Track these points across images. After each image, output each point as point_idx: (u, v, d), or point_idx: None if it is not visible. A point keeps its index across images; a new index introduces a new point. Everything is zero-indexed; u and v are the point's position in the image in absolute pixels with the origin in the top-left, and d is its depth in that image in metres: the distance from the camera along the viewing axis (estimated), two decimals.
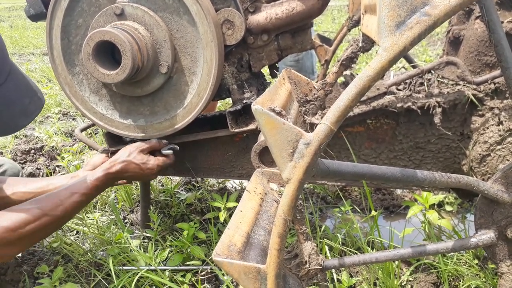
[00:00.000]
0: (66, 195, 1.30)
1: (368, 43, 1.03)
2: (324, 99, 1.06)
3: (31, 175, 2.48)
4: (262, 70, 1.57)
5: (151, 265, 1.52)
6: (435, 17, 0.56)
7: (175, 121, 1.42)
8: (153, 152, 1.49)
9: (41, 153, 2.83)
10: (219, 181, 2.27)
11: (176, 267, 1.55)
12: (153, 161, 1.44)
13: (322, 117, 1.13)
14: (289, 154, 0.68)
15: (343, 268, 1.48)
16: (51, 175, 2.47)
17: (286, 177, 0.70)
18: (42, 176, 2.48)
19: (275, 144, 0.69)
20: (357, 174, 0.75)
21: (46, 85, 4.40)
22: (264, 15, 1.35)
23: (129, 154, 1.42)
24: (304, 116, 1.09)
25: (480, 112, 1.28)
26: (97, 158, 1.56)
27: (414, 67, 1.79)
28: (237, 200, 1.65)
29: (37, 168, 2.55)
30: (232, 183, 2.26)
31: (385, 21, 0.57)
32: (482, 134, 1.24)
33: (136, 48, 1.24)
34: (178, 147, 1.50)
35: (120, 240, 1.67)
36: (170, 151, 1.47)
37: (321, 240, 1.52)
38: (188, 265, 1.56)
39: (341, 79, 1.71)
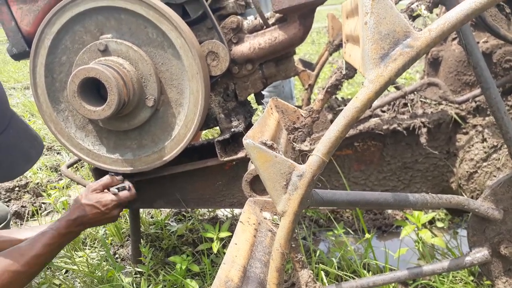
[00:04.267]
0: (28, 248, 1.26)
1: (351, 71, 1.05)
2: (312, 126, 1.07)
3: (16, 213, 2.42)
4: (248, 98, 1.58)
5: None
6: (417, 48, 0.58)
7: (163, 153, 1.42)
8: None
9: (25, 190, 2.77)
10: (210, 210, 2.24)
11: None
12: (108, 197, 1.40)
13: (310, 144, 1.14)
14: (283, 187, 0.68)
15: None
16: (37, 212, 2.42)
17: (281, 210, 0.70)
18: (27, 214, 2.43)
19: (269, 177, 0.69)
20: (351, 202, 0.75)
21: (29, 120, 4.35)
22: (248, 46, 1.37)
23: (83, 197, 1.40)
24: (293, 143, 1.09)
25: (464, 130, 1.31)
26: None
27: (397, 88, 1.83)
28: (230, 229, 1.63)
29: (22, 206, 2.50)
30: (223, 211, 2.24)
31: (369, 54, 0.59)
32: (467, 151, 1.27)
33: (121, 83, 1.24)
34: (128, 185, 1.46)
35: (111, 278, 1.62)
36: (115, 190, 1.43)
37: (317, 266, 1.51)
38: None
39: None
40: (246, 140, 0.68)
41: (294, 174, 0.67)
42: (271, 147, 0.69)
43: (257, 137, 0.77)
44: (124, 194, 1.43)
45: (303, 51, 7.29)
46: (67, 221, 1.35)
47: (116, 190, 1.42)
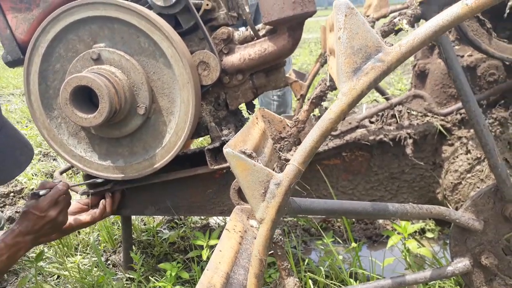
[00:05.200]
0: None
1: (335, 83, 1.07)
2: (298, 136, 1.10)
3: (10, 219, 2.43)
4: (239, 107, 1.60)
5: None
6: (388, 62, 0.60)
7: (154, 161, 1.43)
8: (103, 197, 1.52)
9: (20, 195, 2.78)
10: (202, 218, 2.26)
11: None
12: (42, 201, 1.38)
13: None
14: (261, 195, 0.70)
15: None
16: None
17: (259, 217, 0.71)
18: None
19: (247, 185, 0.71)
20: (328, 210, 0.77)
21: (26, 126, 4.37)
22: (238, 56, 1.39)
23: (25, 205, 1.38)
24: (279, 152, 1.11)
25: (449, 142, 1.33)
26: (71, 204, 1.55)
27: (387, 99, 1.86)
28: (220, 237, 1.64)
29: (16, 212, 2.50)
30: (215, 219, 2.25)
31: (343, 68, 0.61)
32: (452, 163, 1.29)
33: (113, 91, 1.27)
34: (41, 192, 1.40)
35: (102, 283, 1.63)
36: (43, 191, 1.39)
37: (305, 274, 1.52)
38: None
39: (317, 113, 1.76)
40: (226, 148, 0.71)
41: (272, 182, 0.69)
42: (250, 156, 0.71)
43: (239, 146, 0.79)
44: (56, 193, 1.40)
45: (300, 61, 7.34)
46: (12, 231, 1.34)
47: (30, 195, 1.39)
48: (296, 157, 0.66)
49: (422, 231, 1.95)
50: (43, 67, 1.39)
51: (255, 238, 1.13)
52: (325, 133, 0.63)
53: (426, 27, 0.58)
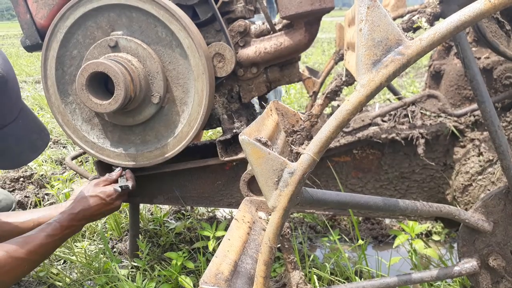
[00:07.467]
0: (32, 237, 1.29)
1: (351, 78, 1.08)
2: (310, 130, 1.10)
3: (19, 203, 2.46)
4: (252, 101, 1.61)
5: None
6: (408, 56, 0.60)
7: (165, 150, 1.45)
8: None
9: (30, 181, 2.82)
10: (209, 210, 2.27)
11: None
12: (111, 188, 1.45)
13: None
14: (275, 183, 0.71)
15: None
16: (40, 203, 2.46)
17: (271, 205, 0.72)
18: (30, 204, 2.47)
19: (261, 173, 0.71)
20: (340, 202, 0.78)
21: (38, 113, 4.42)
22: (254, 49, 1.40)
23: (87, 190, 1.44)
24: (291, 145, 1.12)
25: (461, 143, 1.32)
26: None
27: (400, 99, 1.86)
28: (226, 229, 1.65)
29: (25, 196, 2.54)
30: (222, 212, 2.26)
31: (363, 59, 0.61)
32: (464, 164, 1.29)
33: (129, 79, 1.28)
34: (131, 185, 1.48)
35: (108, 269, 1.65)
36: (118, 189, 1.45)
37: (310, 270, 1.52)
38: None
39: (329, 110, 1.76)
40: (241, 136, 0.71)
41: (286, 171, 0.69)
42: (265, 144, 0.72)
43: (253, 135, 0.79)
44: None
45: (312, 61, 7.33)
46: (70, 214, 1.39)
47: (119, 189, 1.44)
48: (311, 147, 0.67)
49: (429, 233, 1.94)
50: (60, 53, 1.41)
51: (264, 230, 1.14)
52: (342, 124, 0.63)
53: (447, 22, 0.58)
